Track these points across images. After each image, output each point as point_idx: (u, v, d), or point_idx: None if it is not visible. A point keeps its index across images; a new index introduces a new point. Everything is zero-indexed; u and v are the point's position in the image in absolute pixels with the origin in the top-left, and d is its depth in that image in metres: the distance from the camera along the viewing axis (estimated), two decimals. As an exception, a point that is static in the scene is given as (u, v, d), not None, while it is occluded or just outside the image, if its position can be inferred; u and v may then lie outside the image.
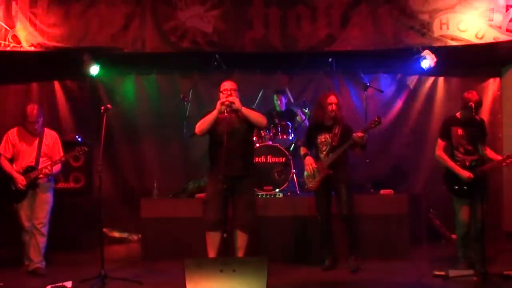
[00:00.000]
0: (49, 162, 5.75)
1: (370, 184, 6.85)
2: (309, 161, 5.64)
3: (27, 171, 5.69)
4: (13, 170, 5.70)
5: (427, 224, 7.35)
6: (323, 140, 5.63)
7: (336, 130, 5.57)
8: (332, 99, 5.64)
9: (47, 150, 5.82)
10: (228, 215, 5.01)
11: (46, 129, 5.91)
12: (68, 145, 6.23)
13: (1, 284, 5.17)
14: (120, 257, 6.58)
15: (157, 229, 6.31)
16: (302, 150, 5.82)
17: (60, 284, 4.92)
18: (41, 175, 5.69)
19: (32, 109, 5.70)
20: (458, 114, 5.47)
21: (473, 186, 5.25)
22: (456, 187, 5.38)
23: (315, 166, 5.59)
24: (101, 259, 5.08)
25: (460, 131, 5.40)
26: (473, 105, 5.24)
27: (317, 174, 5.58)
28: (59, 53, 7.18)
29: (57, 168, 5.82)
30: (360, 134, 5.44)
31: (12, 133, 5.81)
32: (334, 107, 5.60)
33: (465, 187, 5.33)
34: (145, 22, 7.07)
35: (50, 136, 5.89)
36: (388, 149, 8.02)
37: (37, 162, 5.73)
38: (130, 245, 7.48)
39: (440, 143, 5.52)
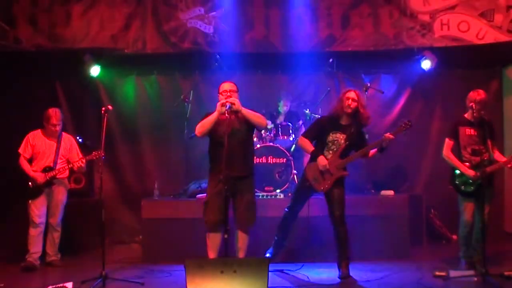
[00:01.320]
0: (65, 164, 6.07)
1: (371, 185, 6.85)
2: (323, 162, 5.27)
3: (45, 170, 6.01)
4: (31, 169, 6.00)
5: (427, 224, 7.34)
6: (335, 139, 5.36)
7: (353, 130, 5.37)
8: (351, 94, 5.35)
9: (65, 153, 6.15)
10: (229, 216, 5.00)
11: (64, 133, 6.23)
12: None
13: (2, 285, 5.17)
14: (121, 258, 6.57)
15: (158, 230, 6.31)
16: (309, 146, 5.42)
17: (61, 285, 4.91)
18: (58, 175, 6.01)
19: (55, 112, 6.06)
20: (466, 115, 5.46)
21: (479, 187, 5.24)
22: (463, 187, 5.38)
23: (329, 167, 5.30)
24: (102, 260, 5.07)
25: (468, 131, 5.40)
26: (473, 105, 5.25)
27: (328, 175, 5.32)
28: (59, 53, 7.19)
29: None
30: (391, 136, 5.20)
31: (33, 135, 6.11)
32: (351, 102, 5.31)
33: (471, 187, 5.32)
34: (145, 23, 7.07)
35: (68, 140, 6.23)
36: (389, 150, 8.01)
37: (55, 163, 6.06)
38: (131, 246, 7.47)
39: (448, 142, 5.51)
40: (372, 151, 5.39)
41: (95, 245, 6.39)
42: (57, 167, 6.03)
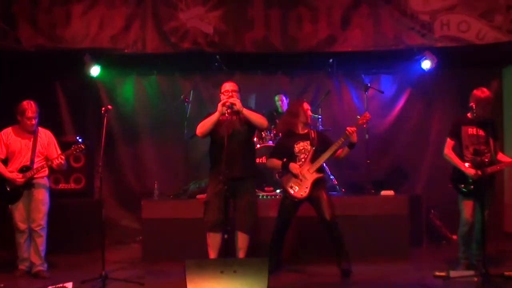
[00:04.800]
0: (44, 162, 5.66)
1: (371, 185, 6.85)
2: (295, 167, 5.38)
3: (22, 171, 5.59)
4: (7, 170, 5.59)
5: (427, 224, 7.35)
6: (301, 148, 5.48)
7: (313, 135, 5.51)
8: (307, 105, 5.60)
9: (42, 149, 5.73)
10: (229, 216, 5.01)
11: (40, 128, 5.80)
12: (69, 146, 6.23)
13: (2, 285, 5.17)
14: (121, 258, 6.57)
15: (158, 230, 6.30)
16: (276, 161, 5.53)
17: (61, 285, 4.90)
18: (37, 174, 5.60)
19: (30, 104, 5.63)
20: (469, 114, 5.46)
21: (479, 186, 5.23)
22: (462, 185, 5.38)
23: (302, 172, 5.40)
24: (102, 260, 5.07)
25: (470, 131, 5.39)
26: (473, 105, 5.25)
27: (304, 181, 5.38)
28: (59, 54, 7.19)
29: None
30: (354, 128, 5.33)
31: (5, 134, 5.70)
32: (310, 113, 5.60)
33: (471, 186, 5.32)
34: (145, 23, 7.07)
35: (45, 135, 5.80)
36: (389, 150, 8.04)
37: (32, 161, 5.63)
38: (131, 246, 7.47)
39: (449, 142, 5.51)
40: (341, 150, 5.45)
41: (95, 245, 6.39)
42: (35, 166, 5.58)
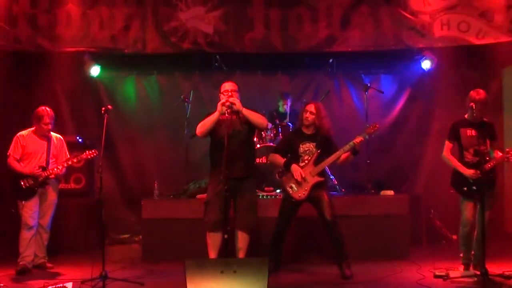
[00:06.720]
0: (56, 164, 5.91)
1: (371, 185, 6.85)
2: (297, 169, 5.39)
3: None
4: (24, 168, 5.81)
5: (427, 224, 7.34)
6: (306, 149, 5.50)
7: (319, 137, 5.51)
8: (310, 107, 5.55)
9: (55, 152, 6.01)
10: (229, 216, 5.01)
11: (51, 133, 6.05)
12: (69, 146, 6.26)
13: (2, 285, 5.17)
14: (121, 258, 6.57)
15: (158, 230, 6.31)
16: (279, 158, 5.54)
17: (61, 285, 4.91)
18: (52, 176, 5.83)
19: (46, 110, 5.90)
20: (466, 115, 5.45)
21: (480, 187, 5.21)
22: (465, 188, 5.35)
23: (304, 174, 5.41)
24: (102, 260, 5.07)
25: (469, 132, 5.37)
26: (473, 105, 5.24)
27: (304, 183, 5.39)
28: (59, 54, 7.18)
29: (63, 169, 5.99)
30: (360, 139, 5.35)
31: (22, 136, 5.94)
32: (308, 115, 5.51)
33: (473, 187, 5.30)
34: (145, 23, 7.07)
35: (57, 139, 6.08)
36: (389, 150, 8.04)
37: (47, 162, 5.90)
38: (131, 246, 7.47)
39: (448, 145, 5.49)
40: (345, 155, 5.44)
41: (95, 245, 6.38)
42: (50, 167, 5.85)
